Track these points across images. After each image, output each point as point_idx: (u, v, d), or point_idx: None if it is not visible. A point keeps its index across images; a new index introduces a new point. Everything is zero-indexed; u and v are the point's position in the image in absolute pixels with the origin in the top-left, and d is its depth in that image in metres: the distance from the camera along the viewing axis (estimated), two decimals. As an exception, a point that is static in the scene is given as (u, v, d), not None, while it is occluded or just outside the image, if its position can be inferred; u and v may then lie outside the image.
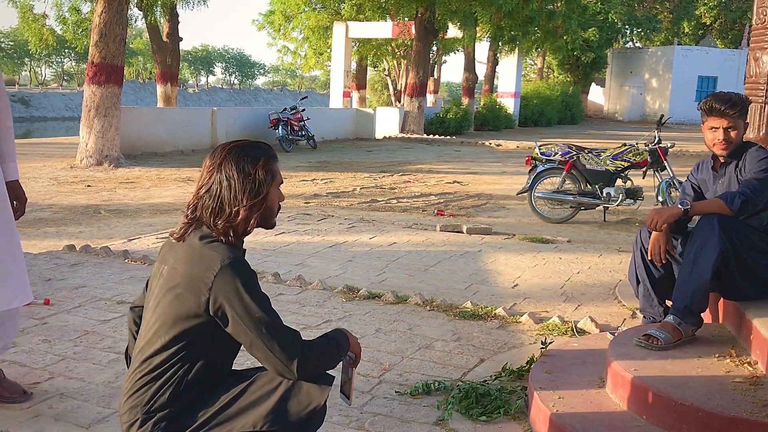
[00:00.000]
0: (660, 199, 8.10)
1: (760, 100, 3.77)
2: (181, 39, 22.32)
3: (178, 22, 22.14)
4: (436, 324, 4.22)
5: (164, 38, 21.79)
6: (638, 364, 2.92)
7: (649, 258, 3.45)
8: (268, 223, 2.15)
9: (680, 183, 7.98)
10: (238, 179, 2.03)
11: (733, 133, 3.31)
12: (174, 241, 2.11)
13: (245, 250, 2.16)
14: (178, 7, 21.74)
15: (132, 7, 17.38)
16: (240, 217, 2.04)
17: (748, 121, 3.47)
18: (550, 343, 3.60)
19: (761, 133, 3.82)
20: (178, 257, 2.08)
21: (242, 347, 2.04)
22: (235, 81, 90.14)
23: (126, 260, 5.54)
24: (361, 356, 2.29)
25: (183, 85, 68.05)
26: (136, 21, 22.07)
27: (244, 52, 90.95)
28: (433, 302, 4.57)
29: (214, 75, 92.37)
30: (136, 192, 9.70)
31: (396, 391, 3.26)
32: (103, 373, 3.38)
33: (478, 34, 23.68)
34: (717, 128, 3.33)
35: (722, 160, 3.46)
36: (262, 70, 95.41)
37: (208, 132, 15.70)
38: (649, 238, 3.46)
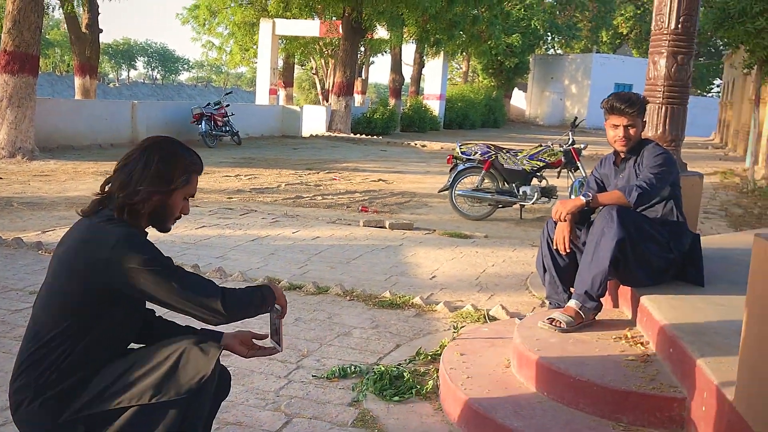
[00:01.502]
0: (573, 197, 8.45)
1: (658, 101, 4.04)
2: (101, 30, 21.66)
3: (98, 13, 21.47)
4: (356, 313, 4.32)
5: (83, 29, 21.09)
6: (541, 345, 3.10)
7: (555, 247, 3.64)
8: (162, 224, 2.18)
9: (592, 182, 8.37)
10: (155, 164, 2.08)
11: (632, 131, 3.55)
12: (80, 217, 2.12)
13: (147, 233, 2.16)
14: (97, -3, 21.13)
15: (49, -6, 16.78)
16: (139, 196, 2.05)
17: (646, 120, 3.72)
18: (461, 327, 3.75)
19: (658, 132, 4.10)
20: (76, 234, 2.10)
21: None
22: (158, 76, 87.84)
23: (39, 251, 5.40)
24: (287, 309, 2.33)
25: (103, 79, 65.76)
26: (53, 10, 21.34)
27: (167, 47, 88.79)
28: (353, 292, 4.67)
29: (136, 69, 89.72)
30: (52, 185, 9.40)
31: (313, 375, 3.34)
32: (13, 361, 3.30)
33: (404, 36, 24.00)
34: (618, 126, 3.56)
35: (622, 156, 3.69)
36: (186, 66, 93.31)
37: (128, 126, 15.32)
38: (555, 228, 3.66)
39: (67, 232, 2.17)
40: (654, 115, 4.07)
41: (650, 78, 4.13)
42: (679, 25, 3.93)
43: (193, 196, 2.21)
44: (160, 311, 2.25)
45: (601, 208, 3.49)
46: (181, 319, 2.29)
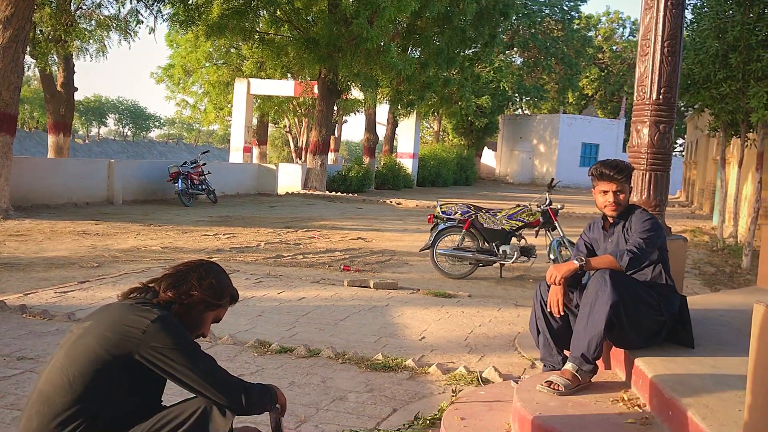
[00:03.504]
0: (552, 256, 8.61)
1: (642, 168, 4.21)
2: (76, 89, 21.75)
3: (74, 72, 21.60)
4: (349, 376, 4.32)
5: (58, 87, 21.17)
6: (542, 408, 3.14)
7: (548, 310, 3.71)
8: (191, 332, 2.30)
9: (570, 242, 8.54)
10: (210, 278, 2.31)
11: (621, 196, 3.69)
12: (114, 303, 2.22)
13: None
14: (74, 57, 21.29)
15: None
16: (189, 299, 2.23)
17: (632, 186, 3.87)
18: (460, 391, 3.78)
19: (643, 197, 4.25)
20: (116, 309, 2.17)
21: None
22: (129, 133, 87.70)
23: (24, 315, 5.32)
24: (286, 407, 2.40)
25: (73, 135, 65.54)
26: (29, 68, 21.39)
27: (139, 104, 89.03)
28: (344, 355, 4.67)
29: (107, 126, 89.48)
30: (28, 245, 9.28)
31: (313, 442, 3.33)
32: (8, 430, 3.25)
33: (378, 97, 24.50)
34: (607, 191, 3.70)
35: (611, 221, 3.82)
36: (157, 123, 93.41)
37: (104, 184, 15.25)
38: (548, 291, 3.74)
39: (99, 308, 2.26)
40: (638, 181, 4.24)
41: (633, 146, 4.30)
42: (660, 96, 4.14)
43: (218, 321, 2.38)
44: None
45: (593, 271, 3.59)
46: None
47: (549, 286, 3.71)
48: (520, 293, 7.64)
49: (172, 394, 2.51)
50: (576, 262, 3.57)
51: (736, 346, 3.79)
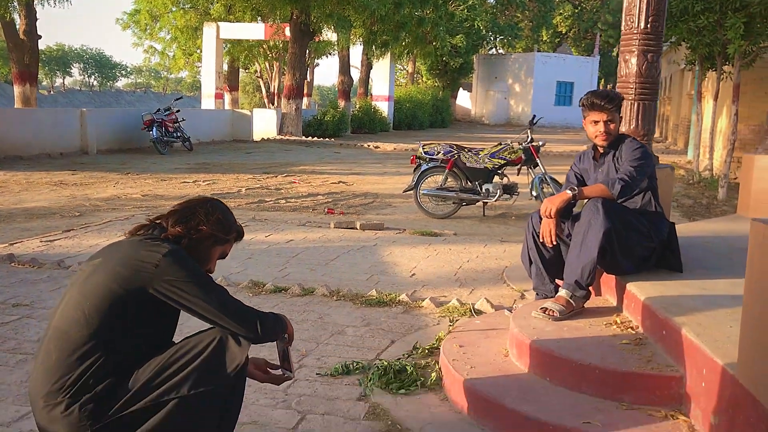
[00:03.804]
0: (534, 193, 8.70)
1: (630, 98, 4.24)
2: (39, 37, 21.07)
3: (36, 19, 20.88)
4: (345, 312, 4.39)
5: (21, 36, 20.48)
6: (539, 333, 3.24)
7: (540, 240, 3.78)
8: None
9: (552, 178, 8.63)
10: (217, 213, 2.31)
11: (612, 126, 3.72)
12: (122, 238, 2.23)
13: None
14: (35, 3, 20.55)
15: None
16: (198, 234, 2.24)
17: (622, 115, 3.91)
18: (456, 320, 3.86)
19: (631, 127, 4.30)
20: (116, 249, 2.18)
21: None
22: (95, 83, 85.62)
23: (12, 264, 5.29)
24: (293, 336, 2.44)
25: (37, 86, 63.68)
26: (-12, 17, 20.61)
27: (104, 53, 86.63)
28: (339, 292, 4.74)
29: (71, 76, 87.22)
30: (5, 196, 9.14)
31: (317, 374, 3.40)
32: (12, 374, 3.27)
33: (352, 38, 24.10)
34: (598, 121, 3.73)
35: (602, 151, 3.87)
36: (123, 72, 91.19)
37: (77, 134, 14.97)
38: (540, 222, 3.80)
39: (107, 246, 2.26)
40: (627, 111, 4.27)
41: (622, 76, 4.32)
42: (648, 25, 4.14)
43: (224, 257, 2.39)
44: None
45: (585, 201, 3.65)
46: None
47: (541, 218, 3.77)
48: (504, 230, 7.74)
49: (187, 332, 2.54)
50: (569, 192, 3.62)
51: (722, 269, 3.92)
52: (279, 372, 2.46)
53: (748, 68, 10.92)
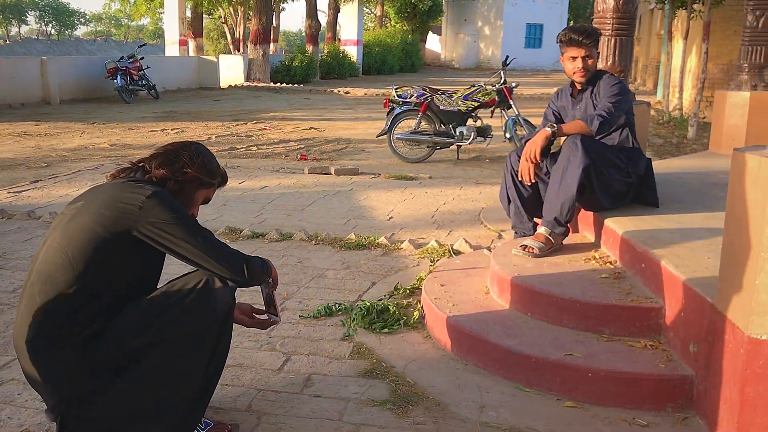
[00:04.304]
0: (507, 135, 8.68)
1: (607, 33, 4.21)
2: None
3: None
4: (324, 256, 4.38)
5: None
6: (519, 270, 3.27)
7: (519, 179, 3.78)
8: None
9: (525, 120, 8.61)
10: (201, 157, 2.26)
11: (590, 61, 3.69)
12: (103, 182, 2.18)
13: None
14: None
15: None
16: (183, 176, 2.19)
17: (599, 51, 3.88)
18: (437, 260, 3.88)
19: (608, 63, 4.27)
20: (108, 188, 2.12)
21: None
22: (53, 31, 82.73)
23: (-20, 216, 5.16)
24: (278, 280, 2.42)
25: (-10, 36, 61.34)
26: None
27: (61, 0, 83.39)
28: (317, 237, 4.72)
29: (27, 24, 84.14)
30: (-33, 149, 8.88)
31: (300, 316, 3.41)
32: (-9, 324, 3.22)
33: (319, -19, 23.50)
34: (576, 57, 3.69)
35: (579, 87, 3.84)
36: (82, 20, 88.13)
37: (38, 84, 14.51)
38: (519, 161, 3.79)
39: (89, 189, 2.20)
40: (604, 46, 4.24)
41: (599, 11, 4.28)
42: (626, -41, 4.08)
43: (207, 202, 2.35)
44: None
45: (563, 138, 3.65)
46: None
47: (519, 156, 3.76)
48: (478, 173, 7.75)
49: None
50: (548, 129, 3.60)
51: (696, 203, 3.98)
52: (265, 317, 2.45)
53: (718, 6, 10.91)
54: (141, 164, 2.21)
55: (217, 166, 2.33)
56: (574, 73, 3.74)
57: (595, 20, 4.37)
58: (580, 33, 3.67)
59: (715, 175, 4.97)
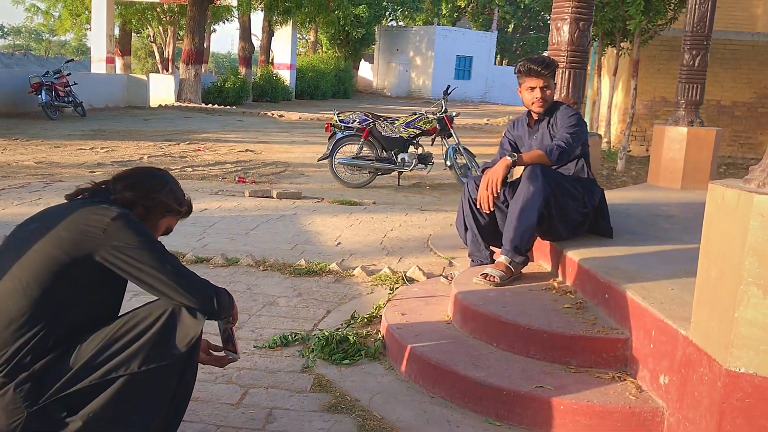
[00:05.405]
0: (448, 163, 8.73)
1: (562, 65, 4.26)
2: None
3: None
4: (274, 282, 4.23)
5: None
6: (482, 299, 3.22)
7: (477, 206, 3.75)
8: None
9: (465, 149, 8.69)
10: (169, 184, 2.18)
11: (548, 92, 3.72)
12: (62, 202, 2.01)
13: None
14: None
15: None
16: (151, 202, 2.08)
17: (556, 82, 3.92)
18: (396, 288, 3.80)
19: (562, 95, 4.33)
20: (56, 212, 1.95)
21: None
22: (-33, 43, 79.04)
23: None
24: (237, 316, 2.29)
25: None
26: None
27: (-23, 11, 79.83)
28: (265, 262, 4.56)
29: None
30: None
31: (255, 346, 3.25)
32: None
33: (253, 3, 23.34)
34: (534, 87, 3.71)
35: (536, 117, 3.87)
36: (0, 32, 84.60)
37: (-47, 96, 13.72)
38: (477, 189, 3.76)
39: (44, 210, 2.03)
40: (558, 78, 4.29)
41: (553, 44, 4.34)
42: (580, -7, 4.16)
43: (168, 233, 2.24)
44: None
45: (522, 167, 3.65)
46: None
47: (477, 184, 3.73)
48: (420, 200, 7.74)
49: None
50: (509, 158, 3.59)
51: (647, 235, 4.05)
52: (223, 353, 2.31)
53: (645, 45, 11.38)
54: (103, 185, 2.06)
55: (184, 194, 2.20)
56: (532, 103, 3.76)
57: (549, 52, 4.43)
58: (539, 64, 3.70)
59: (657, 207, 5.11)
